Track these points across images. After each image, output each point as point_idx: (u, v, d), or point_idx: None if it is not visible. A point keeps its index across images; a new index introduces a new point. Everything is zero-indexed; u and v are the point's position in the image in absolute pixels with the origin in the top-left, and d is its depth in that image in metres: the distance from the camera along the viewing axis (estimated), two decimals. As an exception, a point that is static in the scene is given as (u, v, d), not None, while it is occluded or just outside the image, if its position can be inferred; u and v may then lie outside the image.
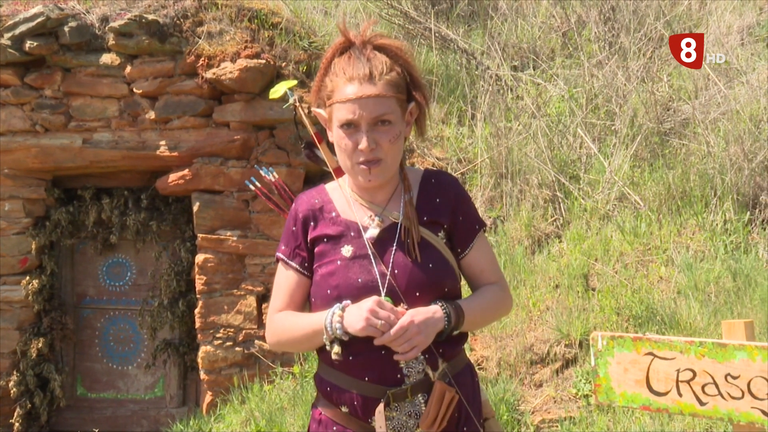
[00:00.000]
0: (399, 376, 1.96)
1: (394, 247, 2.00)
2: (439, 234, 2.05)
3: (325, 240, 2.04)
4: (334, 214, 2.07)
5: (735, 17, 6.41)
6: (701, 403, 2.16)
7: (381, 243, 2.01)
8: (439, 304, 1.96)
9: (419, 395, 1.98)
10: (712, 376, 2.13)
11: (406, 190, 2.07)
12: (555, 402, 4.33)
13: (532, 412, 4.30)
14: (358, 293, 1.94)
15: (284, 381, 5.24)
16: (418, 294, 1.96)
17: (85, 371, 6.30)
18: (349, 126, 1.96)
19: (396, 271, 1.98)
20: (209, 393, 5.54)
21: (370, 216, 2.04)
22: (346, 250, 2.01)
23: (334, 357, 1.93)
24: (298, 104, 3.08)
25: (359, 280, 1.97)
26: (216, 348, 5.55)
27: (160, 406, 6.17)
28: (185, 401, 6.18)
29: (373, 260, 1.99)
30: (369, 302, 1.88)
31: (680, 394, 2.19)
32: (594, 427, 4.04)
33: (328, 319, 1.92)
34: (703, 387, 2.15)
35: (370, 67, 1.95)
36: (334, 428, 2.02)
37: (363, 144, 1.94)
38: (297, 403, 4.87)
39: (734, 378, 2.10)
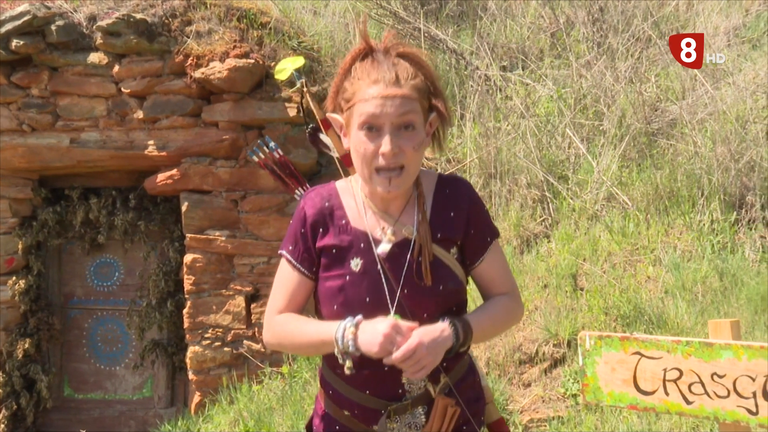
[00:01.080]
0: (400, 391, 1.96)
1: (406, 266, 1.93)
2: (452, 250, 2.00)
3: (333, 251, 1.97)
4: (344, 221, 1.98)
5: (722, 18, 6.44)
6: (688, 402, 2.17)
7: (392, 258, 1.94)
8: (447, 321, 1.89)
9: (419, 407, 1.97)
10: (698, 375, 2.15)
11: (420, 204, 1.99)
12: (543, 401, 4.35)
13: (521, 412, 4.32)
14: (366, 313, 1.88)
15: (273, 381, 5.24)
16: (426, 315, 1.91)
17: (72, 372, 6.27)
18: (371, 129, 1.86)
19: (405, 291, 1.92)
20: (198, 393, 5.53)
21: (383, 228, 1.96)
22: (355, 264, 1.94)
23: (347, 372, 1.86)
24: (306, 88, 3.05)
25: (367, 299, 1.92)
26: (204, 348, 5.53)
27: (148, 407, 6.15)
28: (173, 402, 6.16)
29: (383, 278, 1.93)
30: (384, 325, 1.81)
31: (667, 393, 2.20)
32: (582, 427, 4.06)
33: (340, 332, 1.85)
34: (689, 386, 2.16)
35: (396, 71, 1.87)
36: (337, 427, 2.03)
37: (386, 146, 1.84)
38: (286, 403, 4.86)
39: (720, 377, 2.11)
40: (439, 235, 1.97)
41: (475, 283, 2.09)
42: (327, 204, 2.01)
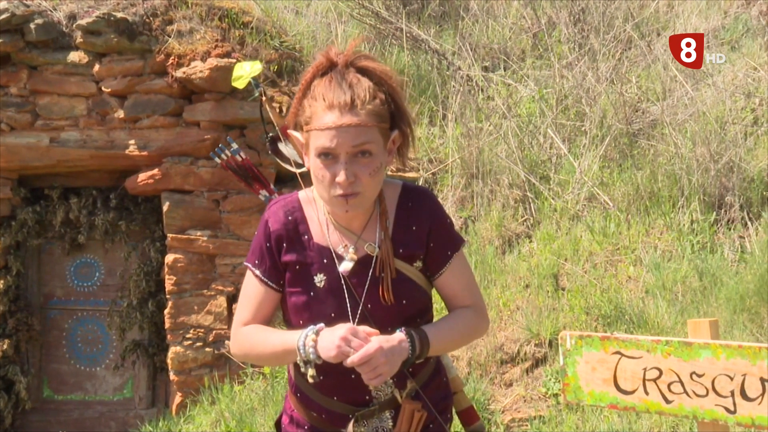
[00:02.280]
0: (367, 397, 1.98)
1: (368, 281, 1.95)
2: (415, 263, 2.00)
3: (297, 267, 1.98)
4: (306, 237, 1.99)
5: (701, 20, 6.50)
6: (667, 401, 2.19)
7: (355, 274, 1.95)
8: (405, 332, 1.90)
9: (386, 412, 2.00)
10: (677, 375, 2.16)
11: (383, 221, 1.98)
12: (525, 401, 4.36)
13: (503, 412, 4.33)
14: (331, 326, 1.89)
15: (254, 381, 5.22)
16: (390, 329, 1.92)
17: (51, 373, 6.20)
18: (327, 156, 1.84)
19: (369, 306, 1.94)
20: (179, 394, 5.50)
21: (345, 246, 1.97)
22: (319, 280, 1.96)
23: (309, 380, 1.88)
24: (265, 97, 3.03)
25: (332, 314, 1.93)
26: (186, 348, 5.50)
27: (128, 408, 6.11)
28: (154, 402, 6.12)
29: (346, 294, 1.95)
30: (342, 330, 1.83)
31: (647, 393, 2.22)
32: (563, 426, 4.08)
33: (302, 340, 1.87)
34: (669, 385, 2.18)
35: (352, 95, 1.83)
36: (306, 427, 2.05)
37: (341, 177, 1.83)
38: (267, 403, 4.85)
39: (699, 376, 2.13)
40: (401, 251, 1.98)
41: (438, 293, 2.10)
42: (290, 218, 2.01)
